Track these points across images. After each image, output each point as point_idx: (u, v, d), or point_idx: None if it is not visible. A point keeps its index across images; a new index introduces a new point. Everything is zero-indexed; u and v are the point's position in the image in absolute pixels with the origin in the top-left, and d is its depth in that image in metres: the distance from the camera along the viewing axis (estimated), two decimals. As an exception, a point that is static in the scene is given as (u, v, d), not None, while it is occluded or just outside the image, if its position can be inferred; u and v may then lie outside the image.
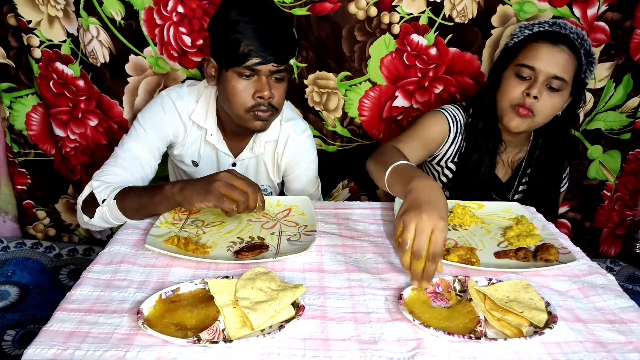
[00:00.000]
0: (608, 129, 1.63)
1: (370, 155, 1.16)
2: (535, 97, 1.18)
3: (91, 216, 1.07)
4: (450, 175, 1.38)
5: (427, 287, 0.80)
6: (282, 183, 1.44)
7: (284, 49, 1.10)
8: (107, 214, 1.05)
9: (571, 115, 1.31)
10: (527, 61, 1.19)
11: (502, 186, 1.39)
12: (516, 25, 1.40)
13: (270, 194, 1.41)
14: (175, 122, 1.24)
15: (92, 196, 1.07)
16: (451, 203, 1.14)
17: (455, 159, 1.36)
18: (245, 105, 1.13)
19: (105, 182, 1.08)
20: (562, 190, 1.46)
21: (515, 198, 1.40)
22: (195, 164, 1.32)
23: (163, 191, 0.99)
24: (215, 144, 1.27)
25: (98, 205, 1.06)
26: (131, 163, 1.16)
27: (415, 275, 0.79)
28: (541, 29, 1.24)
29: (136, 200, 1.02)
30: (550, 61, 1.17)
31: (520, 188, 1.40)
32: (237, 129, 1.23)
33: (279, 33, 1.10)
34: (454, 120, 1.32)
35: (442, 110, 1.33)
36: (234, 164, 1.32)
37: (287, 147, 1.32)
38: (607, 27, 1.45)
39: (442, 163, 1.37)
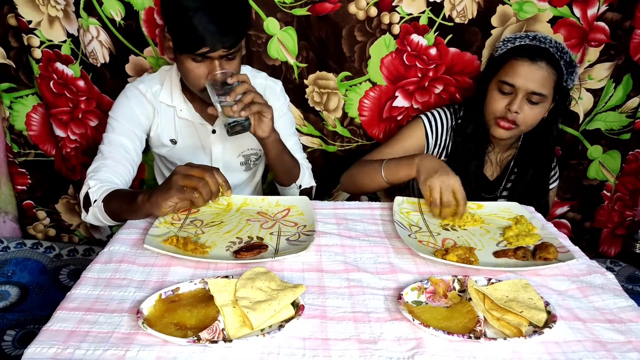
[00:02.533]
0: (608, 129, 1.63)
1: (347, 172, 1.37)
2: (516, 112, 1.24)
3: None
4: None
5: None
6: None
7: (233, 35, 1.10)
8: (98, 214, 1.09)
9: (558, 114, 1.34)
10: (507, 78, 1.24)
11: (490, 184, 1.41)
12: (504, 35, 1.42)
13: (260, 157, 1.41)
14: (142, 104, 1.26)
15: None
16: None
17: (442, 159, 1.36)
18: (199, 87, 1.15)
19: (100, 181, 1.11)
20: (551, 187, 1.47)
21: (503, 194, 1.42)
22: (173, 142, 1.32)
23: (136, 201, 1.01)
24: (189, 118, 1.28)
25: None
26: (116, 151, 1.19)
27: (446, 215, 1.08)
28: (522, 43, 1.28)
29: (117, 206, 1.06)
30: (529, 78, 1.22)
31: (509, 185, 1.42)
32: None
33: (227, 20, 1.09)
34: (434, 124, 1.37)
35: (421, 116, 1.39)
36: (214, 131, 1.31)
37: (269, 96, 1.32)
38: (607, 27, 1.45)
39: None
